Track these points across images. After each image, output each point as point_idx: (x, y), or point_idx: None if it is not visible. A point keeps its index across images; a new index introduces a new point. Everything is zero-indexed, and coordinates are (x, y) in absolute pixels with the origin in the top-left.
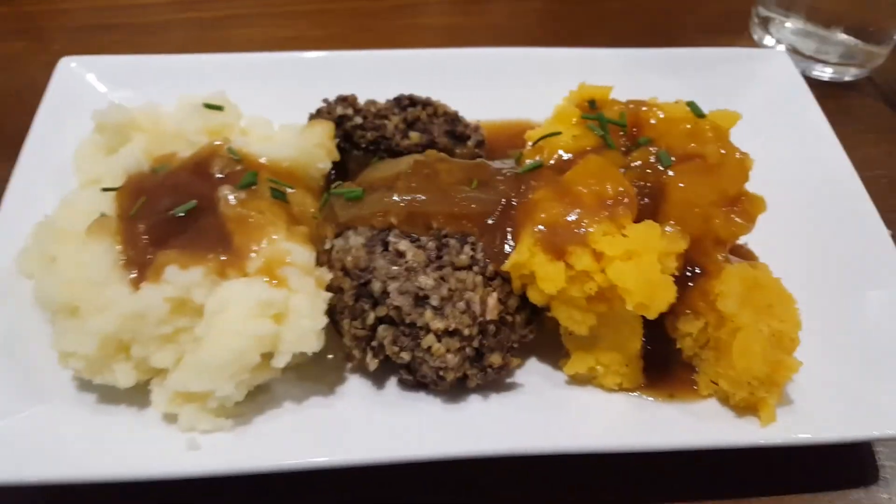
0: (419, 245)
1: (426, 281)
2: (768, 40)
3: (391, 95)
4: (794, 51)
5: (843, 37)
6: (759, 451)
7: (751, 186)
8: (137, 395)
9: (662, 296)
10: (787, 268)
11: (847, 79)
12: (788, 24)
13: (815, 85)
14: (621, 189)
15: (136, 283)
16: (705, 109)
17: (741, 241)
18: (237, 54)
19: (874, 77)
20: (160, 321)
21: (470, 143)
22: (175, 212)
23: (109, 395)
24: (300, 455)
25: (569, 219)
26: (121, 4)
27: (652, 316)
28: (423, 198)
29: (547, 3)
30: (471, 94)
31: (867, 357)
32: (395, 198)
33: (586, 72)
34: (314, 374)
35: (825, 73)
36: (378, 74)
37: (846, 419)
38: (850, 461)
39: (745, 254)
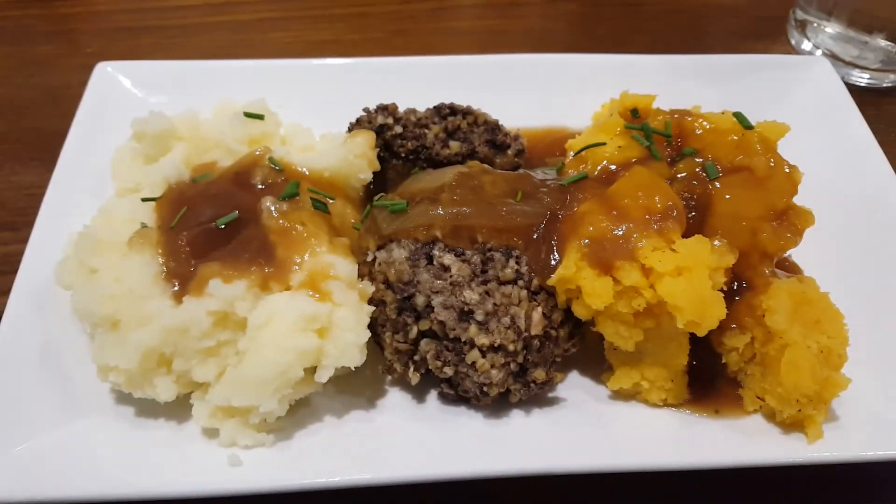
0: (464, 259)
1: (471, 296)
2: (806, 45)
3: (428, 101)
4: (832, 56)
5: (884, 43)
6: (803, 466)
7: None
8: (177, 409)
9: (713, 313)
10: (831, 280)
11: (886, 85)
12: (828, 29)
13: (853, 91)
14: (670, 202)
15: (178, 296)
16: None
17: (787, 253)
18: (274, 60)
19: None
20: (203, 335)
21: (510, 151)
22: (217, 223)
23: (148, 408)
24: (343, 472)
25: (616, 233)
26: (155, 7)
27: (702, 333)
28: (468, 211)
29: (582, 5)
30: (507, 101)
31: None
32: (440, 211)
33: (623, 78)
34: (353, 386)
35: (862, 78)
36: (416, 80)
37: (894, 436)
38: (892, 476)
39: (789, 267)
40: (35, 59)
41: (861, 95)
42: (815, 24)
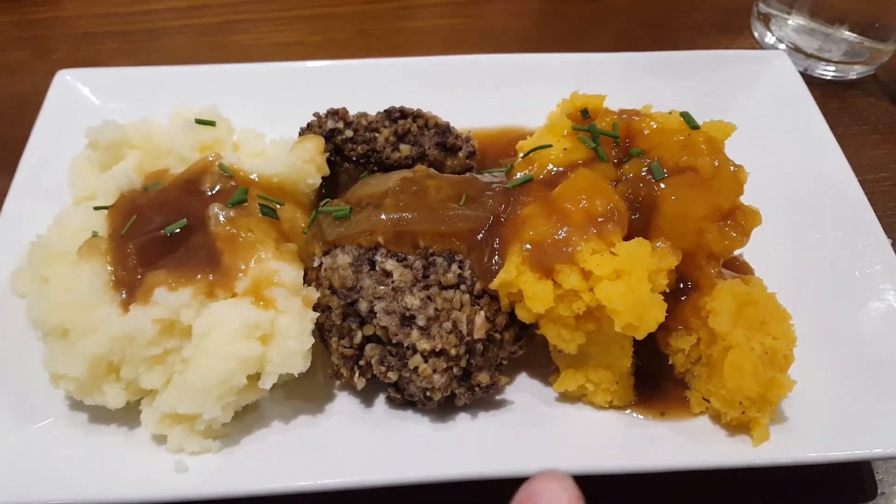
0: (406, 264)
1: (412, 301)
2: (769, 38)
3: (387, 103)
4: (795, 49)
5: (847, 34)
6: (753, 469)
7: (748, 195)
8: (129, 415)
9: (652, 315)
10: (784, 280)
11: (851, 77)
12: (790, 22)
13: (818, 84)
14: (611, 205)
15: (125, 305)
16: (704, 115)
17: (737, 253)
18: (232, 65)
19: (879, 75)
20: (149, 343)
21: (461, 153)
22: (165, 231)
23: (102, 414)
24: (287, 478)
25: (557, 236)
26: (122, 11)
27: (640, 336)
28: (410, 216)
29: (545, 3)
30: (467, 102)
31: (866, 372)
32: (383, 216)
33: (583, 77)
34: (302, 391)
35: (828, 71)
36: (373, 83)
37: (843, 437)
38: (848, 477)
39: (739, 267)
40: (1, 66)
41: (826, 88)
42: (778, 17)
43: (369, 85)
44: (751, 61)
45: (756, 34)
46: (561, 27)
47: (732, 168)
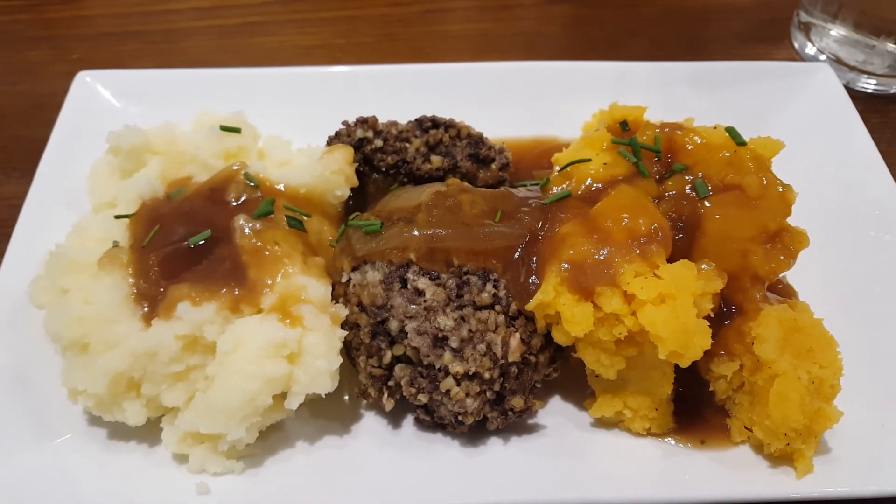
0: (439, 283)
1: (445, 321)
2: (810, 49)
3: (414, 110)
4: (836, 61)
5: (891, 47)
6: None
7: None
8: (149, 432)
9: (697, 343)
10: (825, 304)
11: (894, 91)
12: (833, 32)
13: (859, 97)
14: (655, 224)
15: (147, 319)
16: (743, 128)
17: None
18: (256, 69)
19: None
20: (171, 359)
21: (494, 165)
22: (189, 242)
23: (121, 430)
24: (312, 502)
25: (597, 257)
26: (142, 11)
27: (685, 365)
28: (444, 233)
29: (578, 8)
30: (496, 110)
31: None
32: (415, 232)
33: (617, 86)
34: (328, 410)
35: (869, 84)
36: (402, 89)
37: (889, 469)
38: None
39: (782, 290)
40: (21, 66)
41: (867, 102)
42: (820, 27)
43: (397, 91)
44: (793, 73)
45: (796, 44)
46: (593, 33)
47: (780, 188)
